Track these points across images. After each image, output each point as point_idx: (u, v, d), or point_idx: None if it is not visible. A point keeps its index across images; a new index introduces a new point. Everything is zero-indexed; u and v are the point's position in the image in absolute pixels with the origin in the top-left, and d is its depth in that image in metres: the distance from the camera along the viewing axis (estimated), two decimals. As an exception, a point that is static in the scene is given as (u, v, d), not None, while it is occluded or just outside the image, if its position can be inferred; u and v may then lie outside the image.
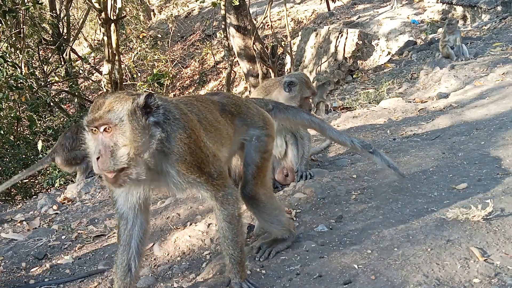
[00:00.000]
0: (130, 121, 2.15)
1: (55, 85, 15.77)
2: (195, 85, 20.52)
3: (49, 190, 8.67)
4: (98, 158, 2.13)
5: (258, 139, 2.88)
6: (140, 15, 21.89)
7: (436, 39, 12.68)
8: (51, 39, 16.70)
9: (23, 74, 11.95)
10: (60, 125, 12.77)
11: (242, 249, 2.53)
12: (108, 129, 2.15)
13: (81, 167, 6.92)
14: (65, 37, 17.33)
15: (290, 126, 4.01)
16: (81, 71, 18.81)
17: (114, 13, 10.89)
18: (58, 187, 8.08)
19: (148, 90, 16.63)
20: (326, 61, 15.57)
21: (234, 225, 2.48)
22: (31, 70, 14.12)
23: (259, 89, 4.54)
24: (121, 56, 12.96)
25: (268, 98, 4.16)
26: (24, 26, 13.13)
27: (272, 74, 14.03)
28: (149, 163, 2.23)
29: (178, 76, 21.26)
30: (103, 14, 10.22)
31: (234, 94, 3.25)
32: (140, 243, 2.52)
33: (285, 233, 2.95)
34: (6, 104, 11.09)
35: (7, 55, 12.17)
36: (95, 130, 2.18)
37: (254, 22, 15.82)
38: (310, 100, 4.22)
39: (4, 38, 12.37)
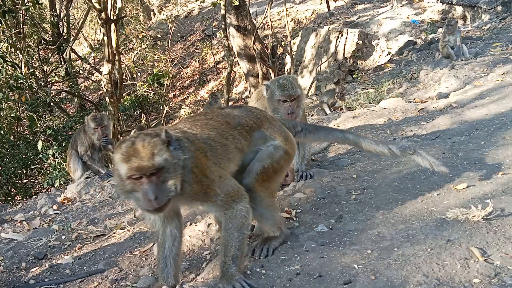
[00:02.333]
0: (169, 157, 2.38)
1: (55, 85, 15.77)
2: (195, 85, 20.52)
3: (49, 190, 8.67)
4: (151, 199, 2.33)
5: (275, 148, 2.96)
6: (140, 15, 21.90)
7: (436, 39, 12.68)
8: (51, 39, 16.71)
9: (23, 74, 11.96)
10: (60, 125, 12.77)
11: (242, 257, 2.68)
12: (155, 171, 2.34)
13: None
14: (65, 37, 17.33)
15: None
16: (81, 71, 18.81)
17: (114, 13, 10.88)
18: (58, 187, 8.08)
19: (148, 90, 16.66)
20: (326, 61, 15.58)
21: (238, 237, 2.64)
22: (31, 70, 14.13)
23: (254, 94, 4.56)
24: (121, 56, 12.95)
25: (260, 102, 4.19)
26: (24, 26, 13.14)
27: (272, 74, 14.03)
28: None
29: (178, 76, 21.26)
30: (103, 14, 10.21)
31: (260, 110, 3.26)
32: (172, 244, 2.79)
33: (276, 230, 2.97)
34: (6, 104, 11.10)
35: (7, 55, 12.19)
36: (140, 177, 2.34)
37: (254, 22, 15.82)
38: (290, 104, 3.91)
39: (4, 38, 12.38)
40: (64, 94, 16.22)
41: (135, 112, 18.01)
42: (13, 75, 11.23)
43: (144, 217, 2.82)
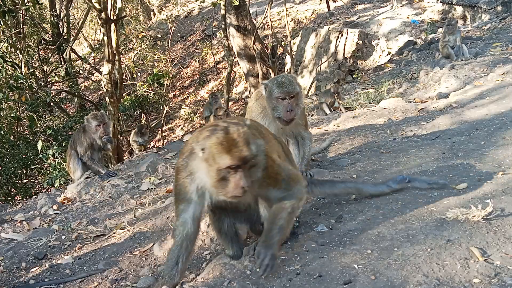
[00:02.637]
0: (258, 145, 2.50)
1: (55, 85, 15.77)
2: (195, 85, 20.52)
3: (49, 190, 8.67)
4: (244, 186, 2.42)
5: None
6: (140, 15, 21.89)
7: (436, 39, 12.69)
8: (51, 39, 16.71)
9: (23, 74, 11.96)
10: (60, 125, 12.78)
11: (284, 237, 2.76)
12: (248, 160, 2.43)
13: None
14: (65, 37, 17.34)
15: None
16: (81, 71, 18.83)
17: (114, 13, 10.89)
18: (58, 187, 8.08)
19: (148, 90, 16.67)
20: (326, 61, 15.58)
21: (289, 214, 2.71)
22: (31, 70, 14.14)
23: (254, 94, 4.54)
24: (121, 56, 12.96)
25: (259, 101, 4.18)
26: (24, 26, 13.14)
27: (272, 74, 14.03)
28: None
29: (178, 76, 21.26)
30: (103, 14, 10.21)
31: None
32: (190, 244, 2.81)
33: None
34: (6, 104, 11.11)
35: (7, 55, 12.19)
36: (236, 167, 2.41)
37: (254, 22, 15.82)
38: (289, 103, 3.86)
39: (4, 38, 12.38)
40: (64, 94, 16.22)
41: (135, 112, 18.02)
42: (13, 75, 11.23)
43: (178, 215, 2.73)
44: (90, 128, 6.76)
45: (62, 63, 16.30)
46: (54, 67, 15.82)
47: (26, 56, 13.46)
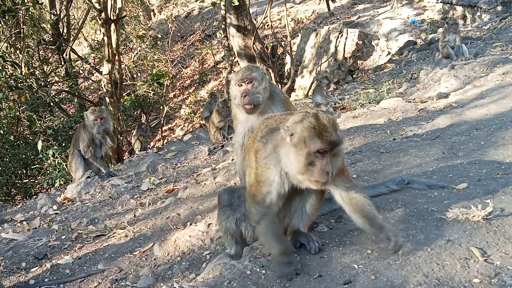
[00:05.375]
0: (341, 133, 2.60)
1: (55, 85, 15.79)
2: (195, 85, 20.52)
3: (49, 190, 8.68)
4: (329, 172, 2.50)
5: None
6: (140, 15, 21.89)
7: (436, 39, 12.68)
8: (51, 39, 16.70)
9: (23, 74, 11.96)
10: (60, 125, 12.78)
11: None
12: (337, 145, 2.53)
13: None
14: (65, 37, 17.34)
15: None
16: (81, 71, 18.84)
17: (114, 13, 10.89)
18: (58, 187, 8.09)
19: (148, 90, 16.67)
20: (326, 61, 15.57)
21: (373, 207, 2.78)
22: (31, 70, 14.14)
23: None
24: (121, 56, 12.96)
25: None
26: (24, 26, 13.14)
27: (272, 74, 14.03)
28: None
29: (178, 76, 21.26)
30: (103, 14, 10.22)
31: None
32: (279, 221, 2.86)
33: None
34: (6, 104, 11.11)
35: (7, 55, 12.19)
36: (325, 151, 2.50)
37: (254, 22, 15.82)
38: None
39: (4, 38, 12.38)
40: (64, 94, 16.22)
41: (135, 112, 18.02)
42: (13, 75, 11.23)
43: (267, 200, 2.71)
44: (88, 123, 6.80)
45: (62, 63, 16.31)
46: (54, 67, 15.82)
47: (26, 56, 13.45)
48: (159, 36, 20.87)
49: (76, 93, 15.70)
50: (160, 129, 17.33)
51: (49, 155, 8.91)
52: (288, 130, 2.54)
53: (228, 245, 3.06)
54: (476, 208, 2.78)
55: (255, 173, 2.73)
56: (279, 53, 17.19)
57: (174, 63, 20.79)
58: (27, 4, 10.56)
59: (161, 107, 17.45)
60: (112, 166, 9.05)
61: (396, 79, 10.36)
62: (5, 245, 4.25)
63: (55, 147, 9.41)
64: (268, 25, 17.21)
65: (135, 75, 19.06)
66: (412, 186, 3.47)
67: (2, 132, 10.87)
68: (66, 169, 8.12)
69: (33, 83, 13.01)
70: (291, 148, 2.54)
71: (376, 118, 6.55)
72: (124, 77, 14.83)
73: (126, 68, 17.36)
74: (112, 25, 10.48)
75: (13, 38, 13.03)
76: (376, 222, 2.68)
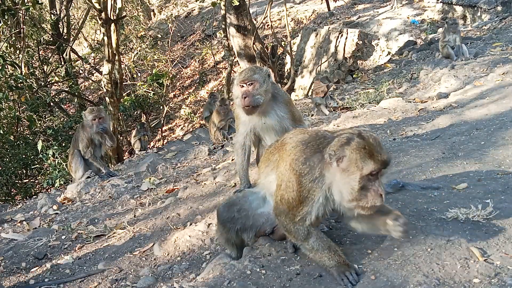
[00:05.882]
0: None
1: (55, 85, 15.78)
2: (195, 85, 20.52)
3: (49, 190, 8.68)
4: (382, 194, 2.40)
5: None
6: (140, 15, 21.88)
7: (436, 39, 12.68)
8: (51, 39, 16.70)
9: (23, 74, 11.96)
10: (60, 125, 12.78)
11: None
12: (388, 164, 2.46)
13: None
14: (65, 37, 17.33)
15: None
16: (81, 71, 18.83)
17: (114, 13, 10.89)
18: (58, 187, 8.09)
19: (148, 90, 16.66)
20: (326, 61, 15.57)
21: None
22: (31, 70, 14.13)
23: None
24: (121, 56, 12.96)
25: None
26: (24, 26, 13.13)
27: (272, 74, 13.99)
28: None
29: (178, 76, 21.26)
30: (103, 14, 10.22)
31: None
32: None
33: None
34: (6, 104, 11.10)
35: (7, 55, 12.19)
36: (376, 173, 2.44)
37: (254, 22, 15.83)
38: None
39: (4, 38, 12.38)
40: (64, 94, 16.21)
41: (135, 112, 18.02)
42: (13, 75, 11.23)
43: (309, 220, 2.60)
44: (87, 123, 6.80)
45: (62, 63, 16.30)
46: (54, 67, 15.82)
47: (26, 56, 13.45)
48: (159, 36, 20.86)
49: (76, 93, 15.70)
50: (160, 129, 17.33)
51: (49, 155, 8.91)
52: (334, 155, 2.38)
53: (229, 249, 3.07)
54: (476, 208, 2.78)
55: (298, 195, 2.55)
56: (279, 53, 17.20)
57: (174, 63, 20.79)
58: (27, 4, 10.56)
59: (161, 107, 17.45)
60: (112, 166, 9.05)
61: (396, 79, 10.36)
62: (5, 245, 4.25)
63: (55, 147, 9.41)
64: (268, 25, 17.22)
65: (135, 75, 19.05)
66: (407, 188, 3.47)
67: (2, 132, 10.86)
68: (66, 169, 8.12)
69: (33, 83, 13.01)
70: (339, 174, 2.39)
71: (376, 118, 6.55)
72: (124, 77, 14.83)
73: (126, 68, 17.36)
74: (112, 25, 10.48)
75: (13, 38, 13.03)
76: (387, 208, 2.57)
